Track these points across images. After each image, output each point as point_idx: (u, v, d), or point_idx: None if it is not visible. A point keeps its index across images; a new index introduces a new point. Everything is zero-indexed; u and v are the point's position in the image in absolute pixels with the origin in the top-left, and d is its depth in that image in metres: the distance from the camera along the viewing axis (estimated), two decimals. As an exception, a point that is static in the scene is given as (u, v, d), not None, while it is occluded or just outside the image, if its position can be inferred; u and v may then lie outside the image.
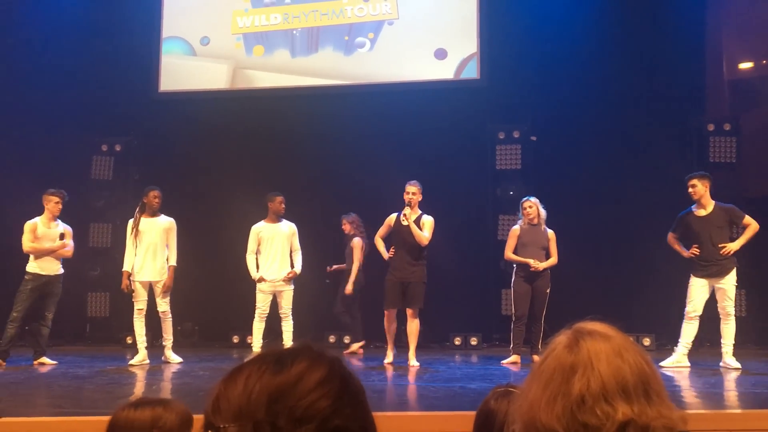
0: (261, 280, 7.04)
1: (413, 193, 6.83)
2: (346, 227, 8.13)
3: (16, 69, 9.58)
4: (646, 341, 7.84)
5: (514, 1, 9.05)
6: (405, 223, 6.77)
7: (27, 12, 9.79)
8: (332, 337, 8.68)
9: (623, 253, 8.30)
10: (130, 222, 7.12)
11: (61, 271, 7.12)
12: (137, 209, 7.14)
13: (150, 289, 7.07)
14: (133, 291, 6.99)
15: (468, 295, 8.65)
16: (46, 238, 7.02)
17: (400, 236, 6.85)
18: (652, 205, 8.14)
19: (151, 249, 7.02)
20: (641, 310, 7.83)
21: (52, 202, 7.02)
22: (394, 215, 6.95)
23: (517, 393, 1.15)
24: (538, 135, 8.77)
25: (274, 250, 7.09)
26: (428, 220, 6.90)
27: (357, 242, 7.98)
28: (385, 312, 6.89)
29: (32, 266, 6.96)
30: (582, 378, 1.05)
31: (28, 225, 7.01)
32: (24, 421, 3.83)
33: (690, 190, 6.52)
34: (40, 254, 6.97)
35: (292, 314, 7.14)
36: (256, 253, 7.15)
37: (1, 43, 9.80)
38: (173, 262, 7.09)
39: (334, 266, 8.39)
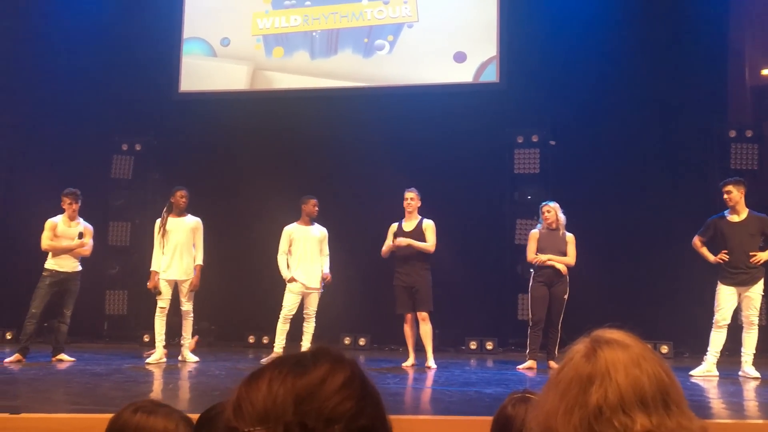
0: (292, 280, 7.05)
1: (411, 199, 7.04)
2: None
3: (39, 70, 9.70)
4: (665, 349, 7.77)
5: (535, 4, 9.02)
6: (404, 244, 6.90)
7: (50, 14, 9.91)
8: (347, 338, 8.69)
9: (642, 260, 8.23)
10: (158, 222, 7.17)
11: (79, 268, 7.20)
12: (165, 209, 7.19)
13: (174, 288, 7.12)
14: (160, 291, 7.04)
15: (484, 299, 8.62)
16: (65, 236, 7.11)
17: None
18: (671, 212, 8.08)
19: (178, 249, 7.08)
20: (660, 317, 7.76)
21: (65, 203, 7.14)
22: (395, 225, 7.11)
23: (534, 401, 1.14)
24: (557, 139, 8.72)
25: (304, 252, 7.12)
26: (429, 225, 7.03)
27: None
28: (404, 316, 7.02)
29: (50, 263, 7.05)
30: (599, 389, 1.03)
31: (48, 223, 7.11)
32: (43, 417, 3.87)
33: (725, 196, 6.44)
34: (57, 252, 7.05)
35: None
36: (287, 254, 7.17)
37: (24, 45, 9.94)
38: (200, 261, 7.15)
39: None
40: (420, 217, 7.08)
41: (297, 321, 7.19)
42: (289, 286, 7.07)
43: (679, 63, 8.51)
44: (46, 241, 7.06)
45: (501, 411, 1.84)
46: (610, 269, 8.15)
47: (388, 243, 7.08)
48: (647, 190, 8.37)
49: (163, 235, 7.09)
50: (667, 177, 8.34)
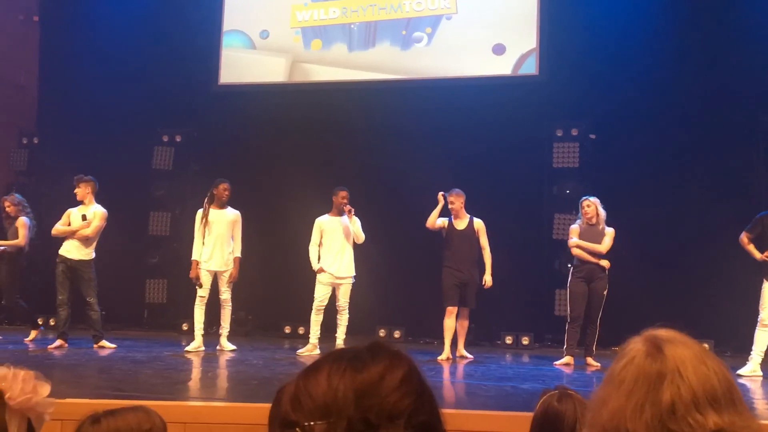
0: (321, 271, 7.11)
1: (451, 202, 7.12)
2: (11, 209, 7.74)
3: (82, 64, 9.89)
4: (706, 346, 7.61)
5: (576, -5, 8.88)
6: (488, 286, 7.12)
7: (92, 8, 10.09)
8: (382, 331, 8.71)
9: (683, 256, 8.08)
10: (199, 212, 7.26)
11: (91, 256, 7.22)
12: (206, 200, 7.28)
13: (213, 278, 7.22)
14: (201, 283, 7.14)
15: (521, 294, 8.55)
16: (75, 222, 7.24)
17: (456, 240, 7.11)
18: (713, 207, 7.91)
19: (219, 240, 7.18)
20: (701, 314, 7.60)
21: (79, 188, 7.25)
22: (445, 220, 7.18)
23: (591, 401, 1.13)
24: (597, 133, 8.59)
25: (334, 244, 7.15)
26: (481, 226, 7.18)
27: (22, 221, 7.64)
28: (447, 309, 7.04)
29: (61, 249, 7.20)
30: (671, 386, 1.03)
31: (66, 212, 7.29)
32: (86, 402, 3.95)
33: None
34: (63, 236, 7.18)
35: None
36: (319, 246, 7.23)
37: (67, 40, 10.15)
38: (238, 253, 7.28)
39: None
40: (469, 216, 7.20)
41: (332, 312, 7.23)
42: (318, 277, 7.13)
43: (723, 55, 8.30)
44: (55, 227, 7.24)
45: (546, 407, 1.82)
46: (650, 265, 8.02)
47: (437, 213, 7.13)
48: (689, 184, 8.20)
49: (205, 225, 7.18)
50: (710, 172, 8.15)
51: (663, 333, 1.14)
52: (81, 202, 7.28)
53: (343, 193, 7.19)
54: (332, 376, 0.90)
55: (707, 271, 7.85)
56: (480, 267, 7.17)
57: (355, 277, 7.23)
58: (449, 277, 7.05)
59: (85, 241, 7.17)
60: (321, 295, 7.14)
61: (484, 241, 7.15)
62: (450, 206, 7.12)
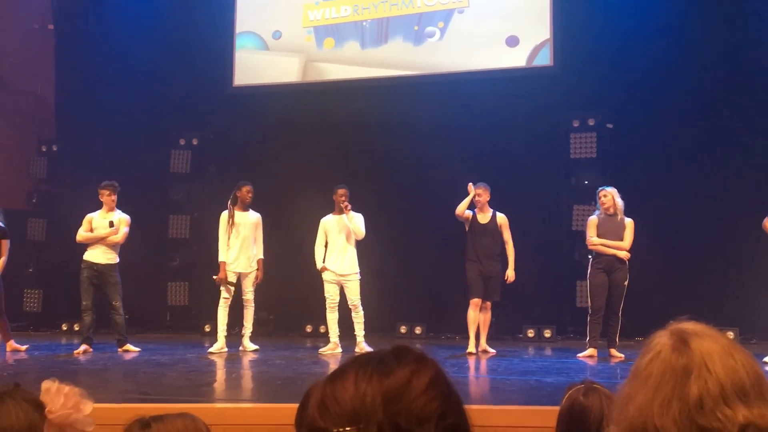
0: (324, 269, 7.16)
1: (479, 195, 7.13)
2: None
3: (98, 71, 9.97)
4: (730, 335, 7.54)
5: (589, -16, 8.80)
6: (511, 280, 7.10)
7: (105, 15, 10.16)
8: (403, 327, 8.71)
9: (704, 243, 7.99)
10: (224, 214, 7.31)
11: (116, 260, 7.31)
12: (230, 202, 7.32)
13: (237, 279, 7.29)
14: (233, 282, 7.18)
15: (541, 287, 8.52)
16: (101, 228, 7.30)
17: (478, 233, 7.14)
18: (735, 193, 7.82)
19: (245, 242, 7.27)
20: (724, 302, 7.53)
21: (104, 195, 7.32)
22: (469, 212, 7.18)
23: (617, 396, 1.12)
24: (615, 122, 8.51)
25: (337, 242, 7.20)
26: (504, 220, 7.20)
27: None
28: (472, 301, 7.06)
29: (86, 255, 7.26)
30: (698, 380, 1.02)
31: (86, 217, 7.35)
32: (112, 407, 3.99)
33: None
34: (90, 243, 7.24)
35: (363, 305, 7.20)
36: (325, 245, 7.26)
37: (82, 46, 10.23)
38: (261, 255, 7.39)
39: None
40: (492, 210, 7.22)
41: (349, 311, 7.23)
42: (323, 276, 7.20)
43: (743, 41, 8.18)
44: (79, 233, 7.29)
45: (572, 401, 1.80)
46: (671, 254, 7.95)
47: (467, 202, 7.12)
48: (709, 170, 8.10)
49: (231, 227, 7.22)
50: (731, 157, 8.05)
51: (689, 326, 1.12)
52: (101, 207, 7.35)
53: (341, 191, 7.20)
54: (359, 382, 0.90)
55: (730, 258, 7.77)
56: (503, 261, 7.15)
57: (360, 273, 7.22)
58: (473, 269, 7.07)
59: (112, 246, 7.27)
60: (330, 293, 7.19)
61: (507, 236, 7.16)
62: (476, 198, 7.12)
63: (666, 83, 8.32)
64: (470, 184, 7.16)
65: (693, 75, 8.27)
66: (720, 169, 8.07)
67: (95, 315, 7.26)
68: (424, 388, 0.90)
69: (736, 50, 8.20)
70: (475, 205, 7.16)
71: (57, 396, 1.34)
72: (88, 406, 1.37)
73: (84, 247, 7.31)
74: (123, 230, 7.30)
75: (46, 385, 1.36)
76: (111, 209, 7.34)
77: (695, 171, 8.19)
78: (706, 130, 8.24)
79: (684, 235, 8.10)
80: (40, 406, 1.30)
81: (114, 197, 7.33)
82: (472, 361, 6.62)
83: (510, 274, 7.07)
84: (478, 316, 7.05)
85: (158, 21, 9.81)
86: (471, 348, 6.95)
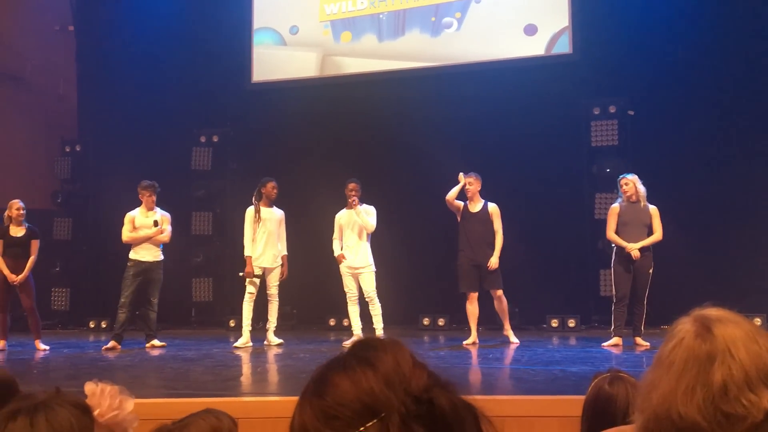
0: (341, 257, 7.17)
1: (470, 184, 7.09)
2: None
3: (118, 70, 10.08)
4: (757, 321, 7.45)
5: (607, -30, 8.69)
6: (493, 267, 6.97)
7: (124, 14, 10.26)
8: (426, 319, 8.72)
9: (728, 230, 7.90)
10: (250, 210, 7.34)
11: (161, 257, 7.48)
12: (254, 197, 7.37)
13: (261, 274, 7.34)
14: (257, 277, 7.25)
15: (565, 276, 8.47)
16: (144, 226, 7.42)
17: (470, 222, 7.12)
18: (758, 179, 7.71)
19: (271, 237, 7.32)
20: (749, 288, 7.45)
21: (145, 196, 7.44)
22: (461, 203, 7.17)
23: (633, 381, 1.12)
24: (636, 109, 8.42)
25: (351, 236, 7.22)
26: (495, 210, 7.13)
27: None
28: (468, 295, 7.07)
29: (133, 254, 7.38)
30: (722, 366, 1.02)
31: (127, 217, 7.45)
32: (139, 402, 4.05)
33: None
34: (137, 243, 7.35)
35: (385, 298, 7.22)
36: (341, 239, 7.30)
37: (102, 46, 10.34)
38: (285, 251, 7.46)
39: None
40: (483, 200, 7.19)
41: (366, 304, 7.25)
42: (341, 269, 7.23)
43: (766, 26, 8.04)
44: (125, 233, 7.40)
45: (598, 390, 1.80)
46: (696, 241, 7.86)
47: (457, 190, 7.10)
48: (733, 157, 8.00)
49: (257, 223, 7.27)
50: (755, 143, 7.93)
51: (712, 312, 1.12)
52: (129, 205, 7.47)
53: (352, 185, 7.21)
54: (356, 380, 0.90)
55: (755, 245, 7.67)
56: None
57: (374, 265, 7.22)
58: (464, 261, 7.07)
59: (157, 244, 7.43)
60: (348, 286, 7.23)
61: (498, 225, 7.08)
62: (467, 187, 7.10)
63: (687, 67, 8.21)
64: (461, 173, 7.14)
65: (715, 58, 8.15)
66: (745, 155, 7.95)
67: (130, 314, 7.38)
68: (411, 365, 0.92)
69: (759, 33, 8.06)
70: (466, 194, 7.13)
71: (102, 397, 1.34)
72: (130, 403, 1.38)
73: (120, 245, 7.42)
74: (168, 229, 7.48)
75: (89, 387, 1.36)
76: (151, 209, 7.46)
77: (719, 157, 8.09)
78: (729, 114, 8.12)
79: (709, 222, 8.01)
80: (87, 410, 1.30)
81: (154, 198, 7.46)
82: (474, 351, 6.66)
83: (493, 261, 6.96)
84: (476, 309, 7.06)
85: (176, 20, 9.88)
86: (471, 339, 6.98)
